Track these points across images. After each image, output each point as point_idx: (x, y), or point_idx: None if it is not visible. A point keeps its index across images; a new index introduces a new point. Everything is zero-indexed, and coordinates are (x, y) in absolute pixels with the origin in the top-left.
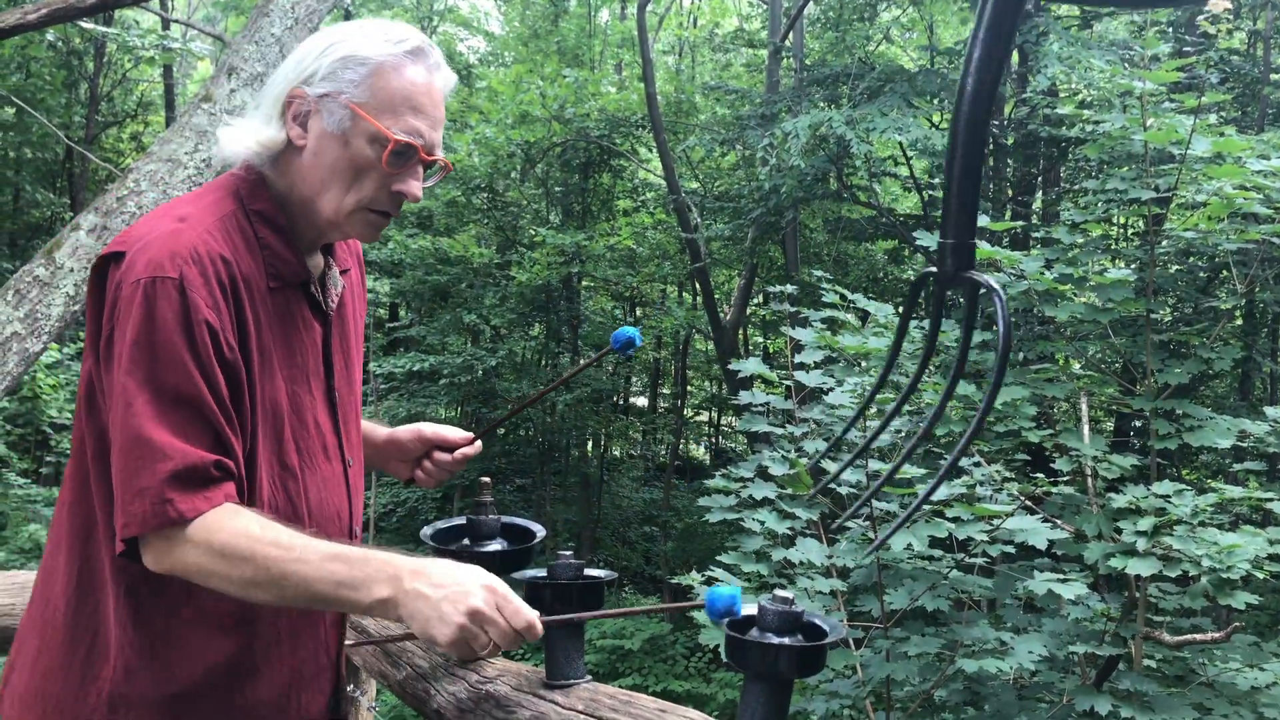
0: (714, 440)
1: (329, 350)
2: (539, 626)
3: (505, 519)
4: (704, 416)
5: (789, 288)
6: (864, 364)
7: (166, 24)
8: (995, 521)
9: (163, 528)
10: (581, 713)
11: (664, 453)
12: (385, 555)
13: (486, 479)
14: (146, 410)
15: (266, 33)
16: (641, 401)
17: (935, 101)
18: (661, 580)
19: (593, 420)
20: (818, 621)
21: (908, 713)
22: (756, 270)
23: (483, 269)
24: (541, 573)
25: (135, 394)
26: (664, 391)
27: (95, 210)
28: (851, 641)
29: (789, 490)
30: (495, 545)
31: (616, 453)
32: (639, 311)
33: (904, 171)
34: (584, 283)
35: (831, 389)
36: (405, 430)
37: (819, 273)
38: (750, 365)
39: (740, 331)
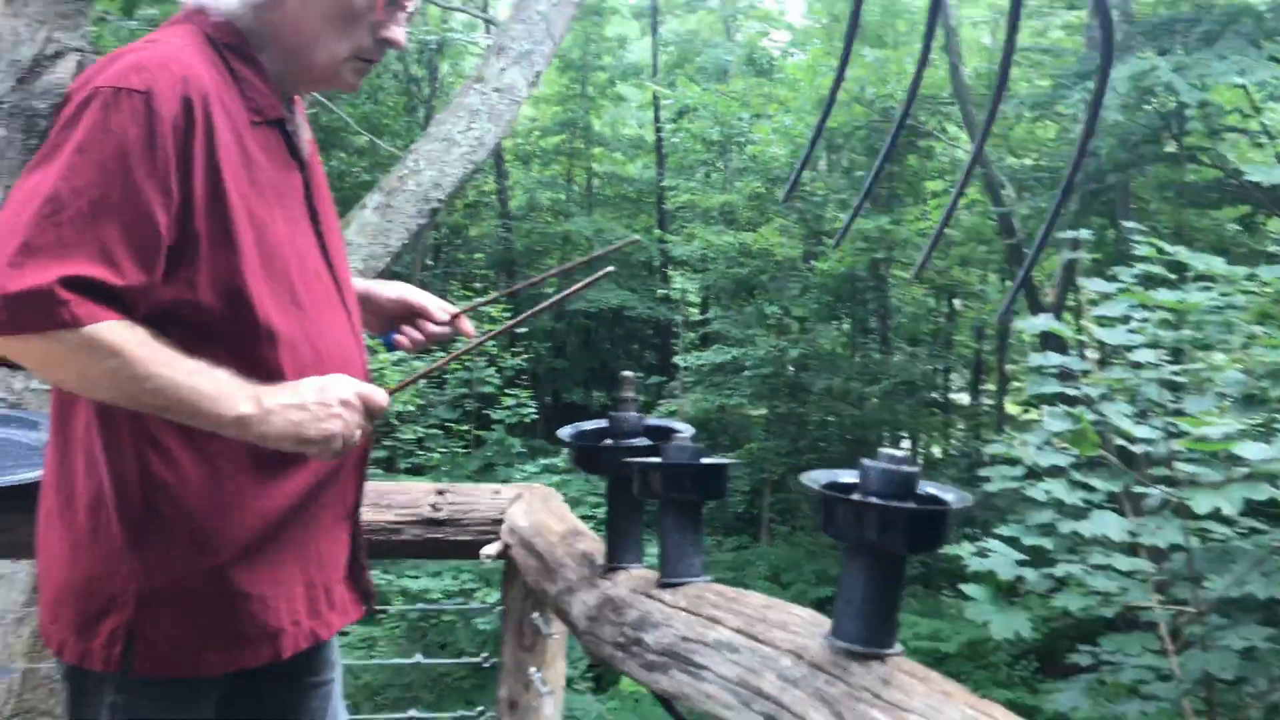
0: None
1: (310, 197)
2: (389, 402)
3: (650, 420)
4: (1032, 414)
5: (1083, 233)
6: (1184, 321)
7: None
8: None
9: (48, 330)
10: (684, 609)
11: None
12: (245, 381)
13: (628, 373)
14: (79, 209)
15: (533, 10)
16: (963, 399)
17: None
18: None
19: (907, 416)
20: (937, 491)
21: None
22: (1080, 247)
23: (786, 261)
24: (683, 426)
25: (68, 198)
26: (988, 387)
27: (380, 190)
28: (1166, 633)
29: (1077, 452)
30: (640, 441)
31: (936, 451)
32: (955, 302)
33: (1253, 125)
34: (894, 271)
35: (1136, 347)
36: (387, 288)
37: (1130, 224)
38: (1039, 322)
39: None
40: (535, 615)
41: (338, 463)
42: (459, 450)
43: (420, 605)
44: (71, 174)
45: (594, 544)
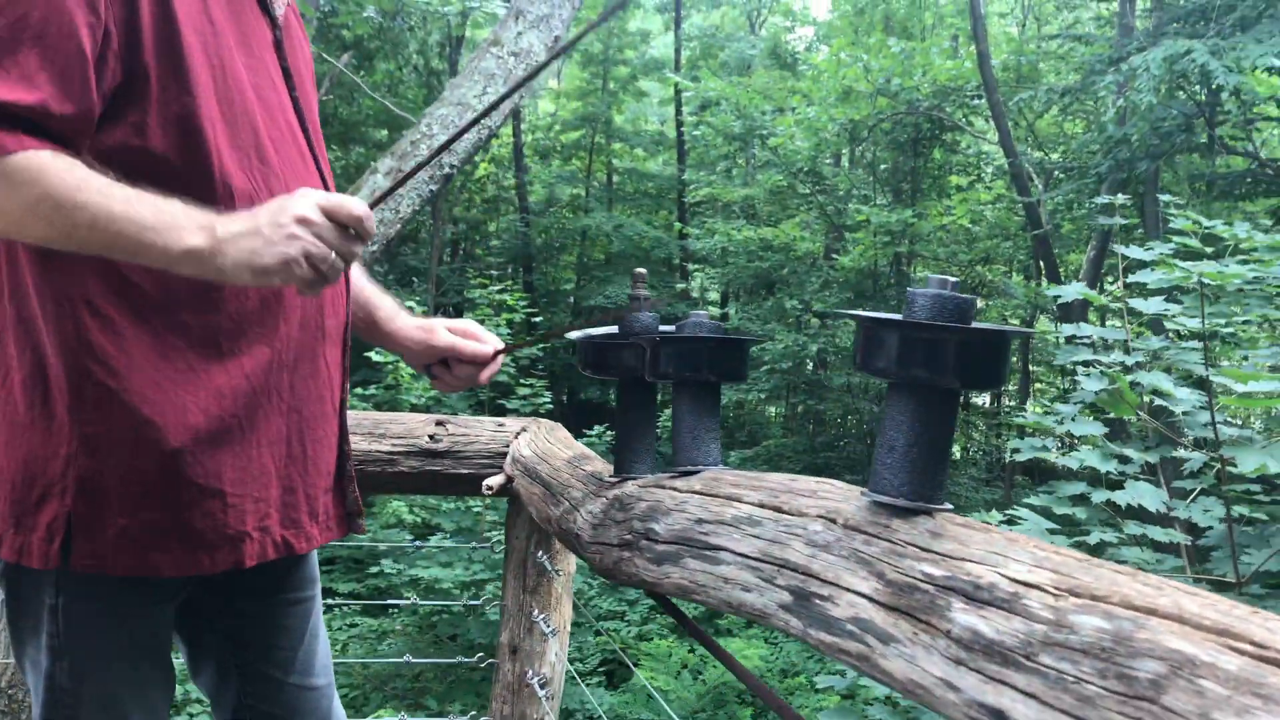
0: (1067, 441)
1: (283, 58)
2: (369, 214)
3: (668, 328)
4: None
5: (1121, 197)
6: (1223, 293)
7: None
8: None
9: None
10: (699, 492)
11: (1009, 453)
12: (196, 208)
13: (642, 270)
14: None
15: None
16: (983, 400)
17: None
18: None
19: None
20: (993, 327)
21: None
22: (1109, 239)
23: (806, 255)
24: (670, 328)
25: None
26: (1009, 389)
27: (391, 155)
28: None
29: (1110, 413)
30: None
31: (956, 451)
32: (981, 303)
33: None
34: (916, 269)
35: (1176, 315)
36: (413, 330)
37: (1165, 198)
38: (1071, 290)
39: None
40: (540, 554)
41: (304, 339)
42: None
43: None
44: None
45: (603, 466)
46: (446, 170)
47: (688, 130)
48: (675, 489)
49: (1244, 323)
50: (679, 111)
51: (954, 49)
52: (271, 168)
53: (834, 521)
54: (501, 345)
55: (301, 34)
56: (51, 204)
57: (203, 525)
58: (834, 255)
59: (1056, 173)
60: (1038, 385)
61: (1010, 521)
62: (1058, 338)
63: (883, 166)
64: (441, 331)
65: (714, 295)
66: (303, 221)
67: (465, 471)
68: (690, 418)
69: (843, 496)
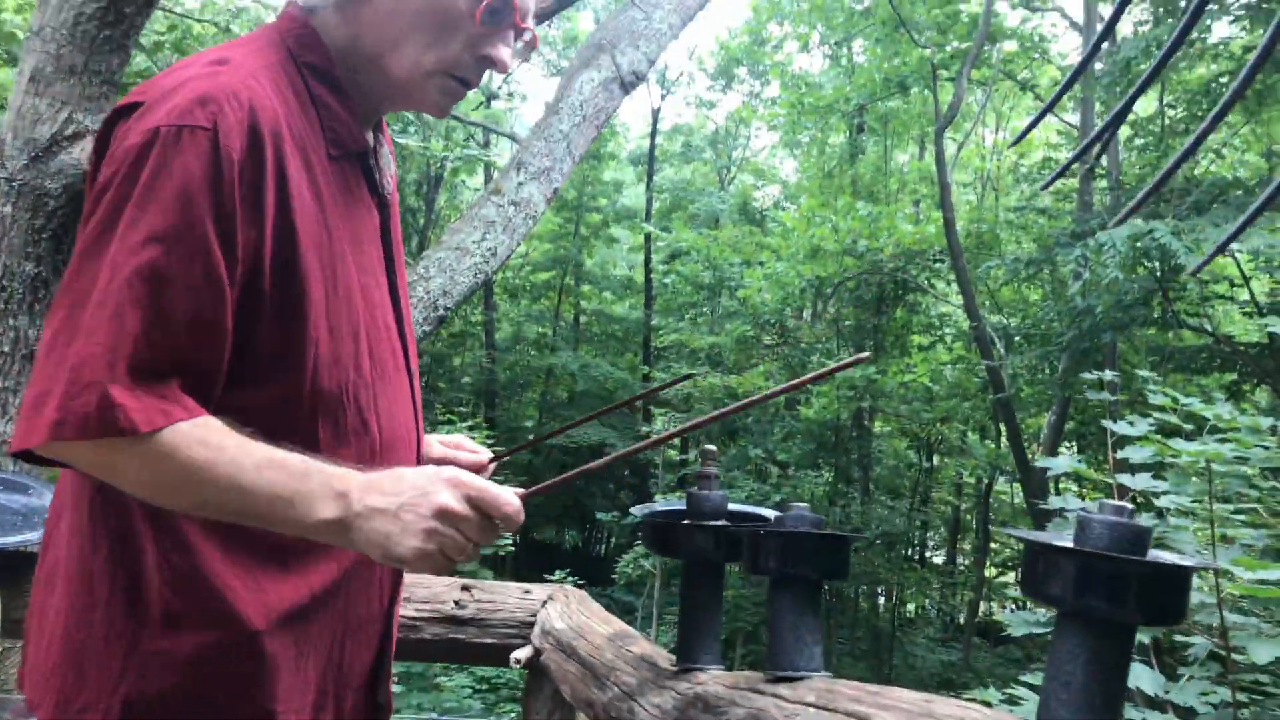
0: (1023, 605)
1: (388, 242)
2: (520, 508)
3: (736, 506)
4: (1010, 577)
5: (1109, 373)
6: (1203, 471)
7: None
8: None
9: (103, 437)
10: (814, 705)
11: (964, 613)
12: (333, 468)
13: (712, 447)
14: (132, 285)
15: (555, 129)
16: (938, 559)
17: None
18: None
19: (885, 570)
20: (1169, 558)
21: None
22: (1069, 406)
23: (770, 405)
24: (768, 513)
25: (124, 261)
26: (964, 547)
27: None
28: None
29: None
30: (720, 523)
31: (910, 608)
32: (935, 459)
33: (1241, 295)
34: (877, 424)
35: (1164, 492)
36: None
37: (1144, 373)
38: (1061, 463)
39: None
40: None
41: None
42: None
43: None
44: (133, 228)
45: (650, 647)
46: (441, 313)
47: (657, 277)
48: (780, 697)
49: (1225, 502)
50: (648, 258)
51: (917, 214)
52: (363, 375)
53: None
54: (491, 455)
55: (395, 193)
56: (182, 478)
57: None
58: (796, 407)
59: (1017, 338)
60: (994, 545)
61: (1011, 701)
62: (1021, 514)
63: (847, 322)
64: (435, 446)
65: (676, 440)
66: (445, 515)
67: (490, 641)
68: (791, 616)
69: None
